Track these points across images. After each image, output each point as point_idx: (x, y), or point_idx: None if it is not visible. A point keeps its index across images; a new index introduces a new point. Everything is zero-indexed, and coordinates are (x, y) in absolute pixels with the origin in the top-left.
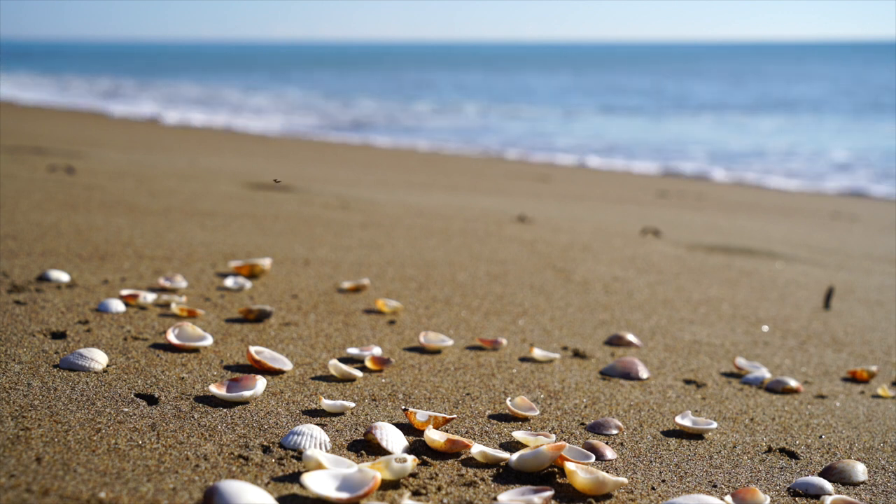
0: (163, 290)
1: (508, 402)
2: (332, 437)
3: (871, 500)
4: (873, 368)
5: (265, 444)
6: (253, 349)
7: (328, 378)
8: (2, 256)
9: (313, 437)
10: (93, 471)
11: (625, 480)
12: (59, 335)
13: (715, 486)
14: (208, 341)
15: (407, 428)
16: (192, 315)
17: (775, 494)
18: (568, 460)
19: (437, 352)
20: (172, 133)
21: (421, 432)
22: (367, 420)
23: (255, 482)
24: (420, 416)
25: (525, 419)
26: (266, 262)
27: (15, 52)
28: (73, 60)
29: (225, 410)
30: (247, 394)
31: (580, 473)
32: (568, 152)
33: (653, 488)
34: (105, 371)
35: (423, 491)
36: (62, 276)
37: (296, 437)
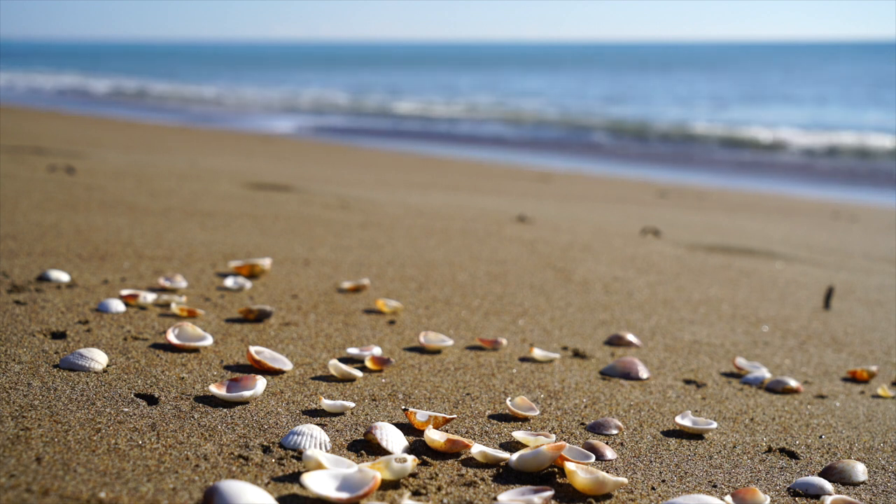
0: (163, 290)
1: (508, 402)
2: (332, 437)
3: (871, 500)
4: (873, 368)
5: (265, 444)
6: (253, 349)
7: (328, 378)
8: (2, 256)
9: (313, 437)
10: (93, 471)
11: (625, 480)
12: (59, 335)
13: (715, 486)
14: (208, 341)
15: (407, 428)
16: (192, 315)
17: (775, 494)
18: (568, 460)
19: (437, 352)
20: (172, 133)
21: (421, 432)
22: (367, 420)
23: (255, 482)
24: (420, 416)
25: (525, 419)
26: (266, 262)
27: (15, 52)
28: (72, 60)
29: (225, 410)
30: (247, 394)
31: (580, 473)
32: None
33: (653, 488)
34: (105, 371)
35: (423, 491)
36: (62, 276)
37: (296, 437)
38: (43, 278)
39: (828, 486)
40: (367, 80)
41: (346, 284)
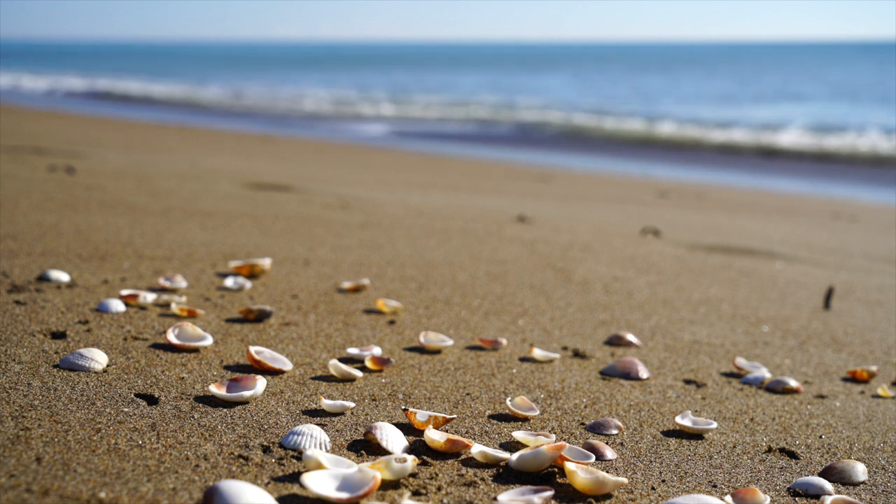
0: (163, 290)
1: (508, 402)
2: (332, 437)
3: (871, 500)
4: (873, 368)
5: (265, 444)
6: (253, 349)
7: (328, 378)
8: (2, 256)
9: (313, 437)
10: (93, 471)
11: (625, 480)
12: (59, 335)
13: (715, 486)
14: (208, 341)
15: (407, 428)
16: (192, 315)
17: (775, 494)
18: (568, 460)
19: (437, 352)
20: (172, 133)
21: (421, 432)
22: (367, 420)
23: (255, 482)
24: (420, 416)
25: (525, 419)
26: (266, 262)
27: (15, 52)
28: (74, 60)
29: (225, 410)
30: (247, 394)
31: (580, 473)
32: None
33: (653, 488)
34: (105, 371)
35: (423, 491)
36: (62, 276)
37: (296, 437)
38: (43, 278)
39: (828, 486)
40: (380, 80)
41: (346, 284)
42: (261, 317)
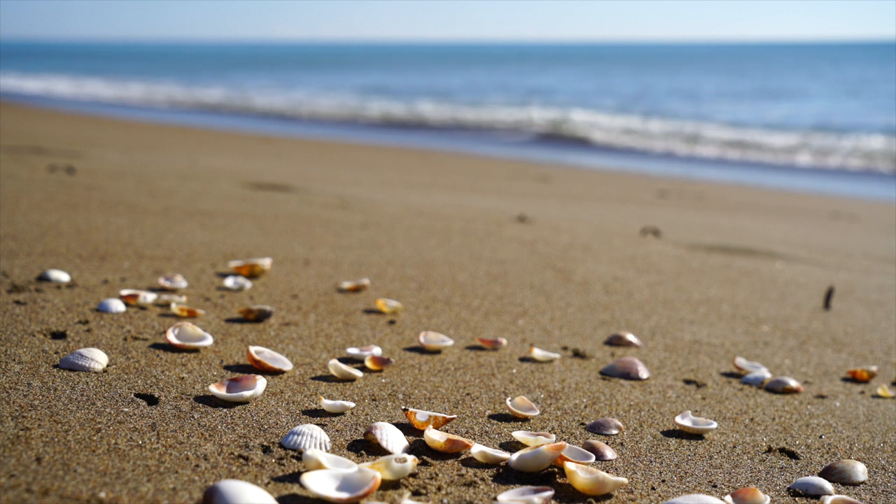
0: (163, 290)
1: (508, 402)
2: (332, 437)
3: (871, 500)
4: (873, 368)
5: (265, 444)
6: (253, 349)
7: (328, 378)
8: (2, 256)
9: (313, 437)
10: (93, 471)
11: (625, 480)
12: (59, 335)
13: (715, 486)
14: (208, 341)
15: (407, 428)
16: (192, 315)
17: (775, 494)
18: (568, 460)
19: (437, 352)
20: (172, 133)
21: (421, 432)
22: (367, 420)
23: (255, 482)
24: (420, 416)
25: (525, 419)
26: (266, 262)
27: (14, 52)
28: (74, 60)
29: (225, 410)
30: (247, 394)
31: (580, 473)
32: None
33: (653, 488)
34: (105, 371)
35: (423, 491)
36: (62, 276)
37: (296, 437)
38: (43, 278)
39: (828, 486)
40: (389, 80)
41: (346, 284)
42: (261, 317)
